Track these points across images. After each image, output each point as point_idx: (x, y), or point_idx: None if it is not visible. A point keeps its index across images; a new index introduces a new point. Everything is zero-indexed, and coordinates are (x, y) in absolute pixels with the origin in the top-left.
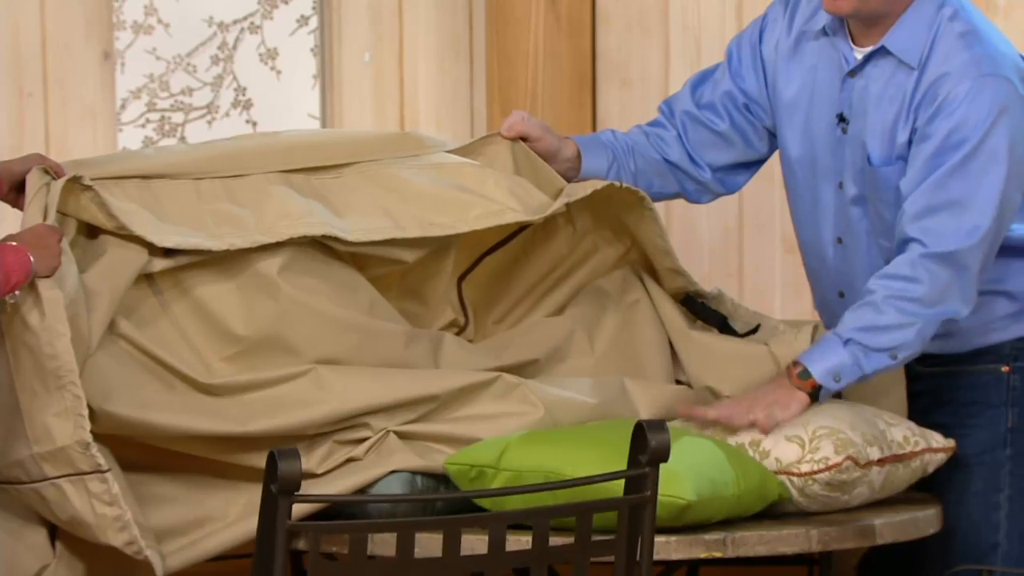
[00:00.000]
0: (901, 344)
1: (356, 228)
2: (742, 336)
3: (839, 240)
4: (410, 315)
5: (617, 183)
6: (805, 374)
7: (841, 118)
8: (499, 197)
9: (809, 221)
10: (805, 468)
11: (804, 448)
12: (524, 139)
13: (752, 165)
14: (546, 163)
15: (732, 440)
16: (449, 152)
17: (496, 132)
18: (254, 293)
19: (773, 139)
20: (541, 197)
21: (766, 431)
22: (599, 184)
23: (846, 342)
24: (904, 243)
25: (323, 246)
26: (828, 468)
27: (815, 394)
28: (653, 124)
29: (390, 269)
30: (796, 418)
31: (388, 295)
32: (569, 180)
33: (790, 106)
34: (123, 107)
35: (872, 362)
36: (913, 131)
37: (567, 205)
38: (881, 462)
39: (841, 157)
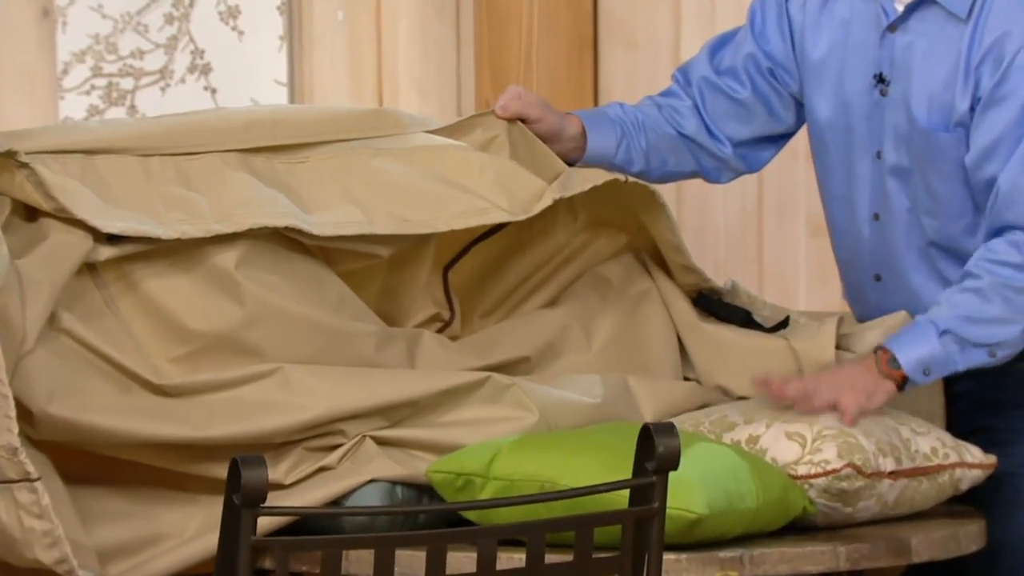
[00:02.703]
0: (1004, 341)
1: (323, 220)
2: (769, 331)
3: (876, 216)
4: (388, 312)
5: (621, 178)
6: (895, 362)
7: (880, 78)
8: (483, 190)
9: (843, 196)
10: (802, 471)
11: (805, 448)
12: (522, 120)
13: (777, 139)
14: (546, 145)
15: (728, 436)
16: (434, 132)
17: (490, 110)
18: (208, 288)
19: (800, 109)
20: (534, 185)
21: (852, 422)
22: (599, 180)
23: (942, 333)
24: (1004, 229)
25: (286, 238)
26: (825, 473)
27: (902, 386)
28: (666, 94)
29: (363, 264)
30: (804, 414)
31: (366, 292)
32: (573, 161)
33: (819, 67)
34: (65, 72)
35: (967, 358)
36: (976, 97)
37: (560, 199)
38: (895, 475)
39: (880, 122)
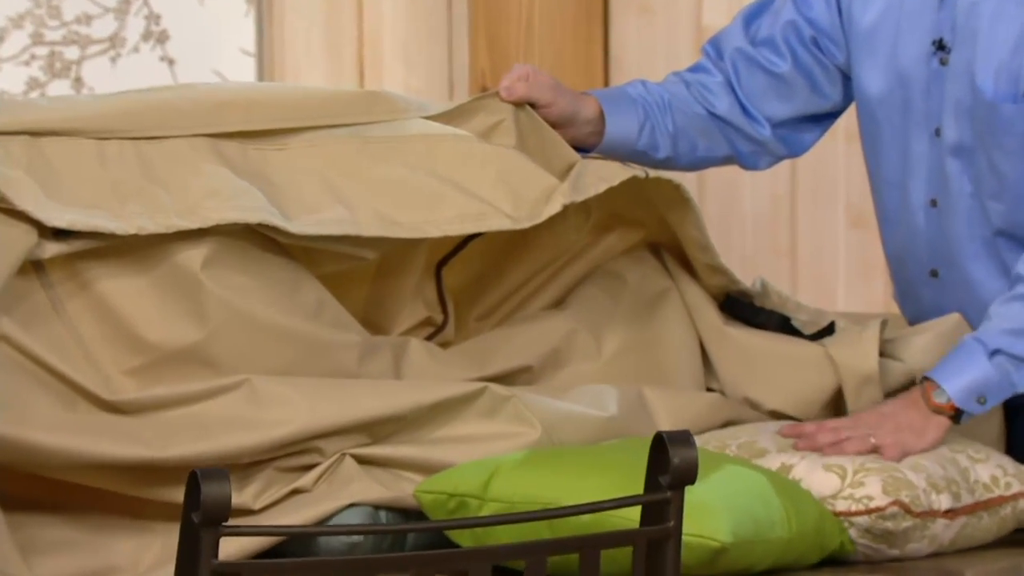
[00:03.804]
0: None
1: (302, 217)
2: (811, 338)
3: (933, 203)
4: (375, 317)
5: (641, 174)
6: (941, 394)
7: (940, 45)
8: (484, 190)
9: (895, 180)
10: (841, 506)
11: (844, 480)
12: (531, 104)
13: (822, 119)
14: (556, 132)
15: (758, 463)
16: (433, 118)
17: (493, 92)
18: (170, 291)
19: (847, 83)
20: (542, 184)
21: (895, 459)
22: (615, 179)
23: (992, 353)
24: None
25: (259, 236)
26: (868, 511)
27: (957, 418)
28: (695, 69)
29: (347, 266)
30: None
31: (351, 296)
32: (590, 146)
33: (869, 34)
34: (0, 38)
35: None
36: None
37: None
38: (952, 513)
39: (939, 95)
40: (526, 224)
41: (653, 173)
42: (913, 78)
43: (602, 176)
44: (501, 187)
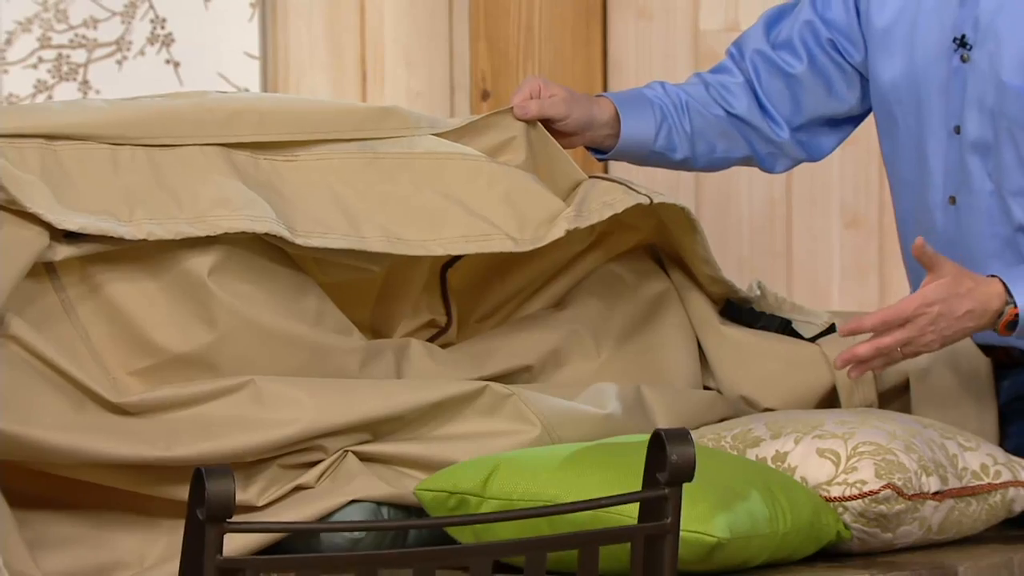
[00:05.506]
0: None
1: (308, 229)
2: (813, 340)
3: (951, 200)
4: (379, 320)
5: (645, 201)
6: (1012, 327)
7: (961, 42)
8: (489, 210)
9: (912, 179)
10: (836, 492)
11: (838, 466)
12: (547, 119)
13: (840, 124)
14: (565, 152)
15: (752, 453)
16: (444, 134)
17: (507, 109)
18: (178, 296)
19: (866, 85)
20: (548, 207)
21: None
22: (619, 205)
23: None
24: None
25: (265, 244)
26: (862, 495)
27: (1012, 326)
28: (717, 70)
29: (354, 277)
30: (838, 428)
31: (358, 299)
32: (606, 149)
33: (885, 33)
34: (9, 42)
35: None
36: None
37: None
38: (940, 495)
39: (959, 93)
40: (529, 247)
41: (658, 198)
42: (930, 75)
43: (607, 202)
44: (507, 208)
